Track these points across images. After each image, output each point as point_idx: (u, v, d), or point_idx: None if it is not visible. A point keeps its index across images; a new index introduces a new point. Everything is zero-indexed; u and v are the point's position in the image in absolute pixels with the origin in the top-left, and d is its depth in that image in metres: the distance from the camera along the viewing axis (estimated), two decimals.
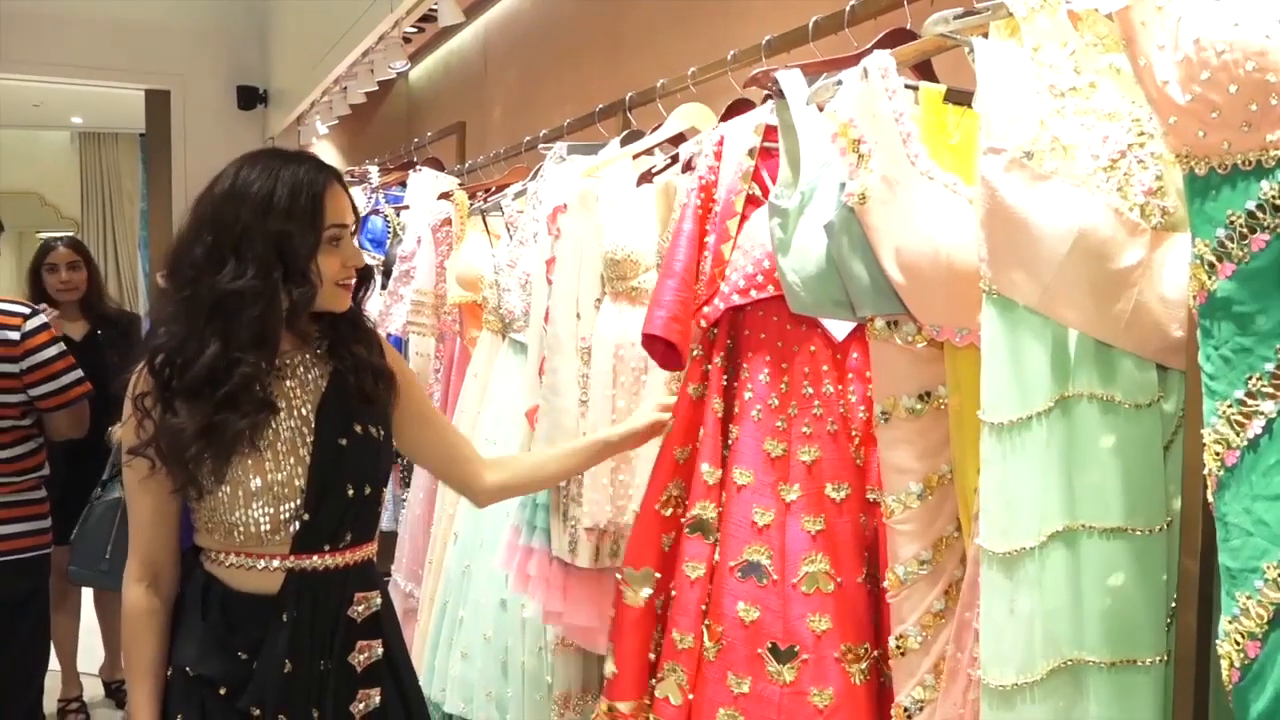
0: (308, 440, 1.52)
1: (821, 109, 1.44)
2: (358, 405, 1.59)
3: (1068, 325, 1.16)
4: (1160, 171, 1.13)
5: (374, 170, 4.18)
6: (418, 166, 3.66)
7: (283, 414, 1.52)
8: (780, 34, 1.87)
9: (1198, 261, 0.97)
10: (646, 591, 1.66)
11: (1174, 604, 1.15)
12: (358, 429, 1.57)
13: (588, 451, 1.87)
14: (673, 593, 1.65)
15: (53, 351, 2.64)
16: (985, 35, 1.24)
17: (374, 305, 3.59)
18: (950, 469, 1.39)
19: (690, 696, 1.59)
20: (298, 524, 1.51)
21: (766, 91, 1.56)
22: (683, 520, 1.66)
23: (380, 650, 1.59)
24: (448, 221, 3.18)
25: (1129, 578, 1.13)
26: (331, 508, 1.54)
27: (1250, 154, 0.93)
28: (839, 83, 1.41)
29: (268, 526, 1.50)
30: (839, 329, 1.57)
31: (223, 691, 1.48)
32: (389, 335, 3.39)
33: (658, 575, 1.67)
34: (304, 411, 1.54)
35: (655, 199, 2.07)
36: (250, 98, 6.23)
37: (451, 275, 3.08)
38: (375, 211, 3.91)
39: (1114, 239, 1.12)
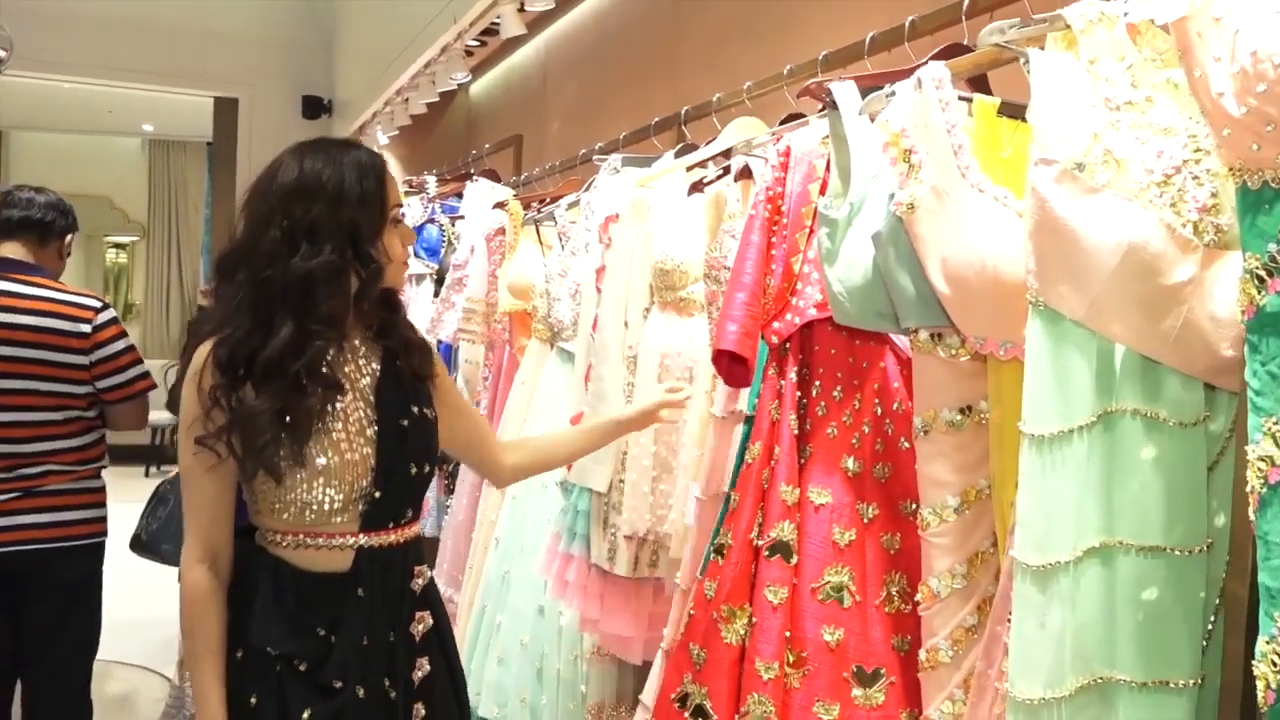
0: (372, 421, 1.58)
1: (874, 120, 1.45)
2: (411, 387, 1.65)
3: (1114, 340, 1.15)
4: (1215, 188, 1.12)
5: (431, 180, 4.26)
6: (474, 177, 3.71)
7: (348, 396, 1.57)
8: (837, 49, 1.89)
9: (1247, 276, 0.96)
10: (745, 626, 1.58)
11: (1210, 626, 1.13)
12: (414, 410, 1.63)
13: (599, 431, 1.94)
14: (753, 620, 1.58)
15: (120, 345, 2.71)
16: (1041, 47, 1.24)
17: (425, 312, 3.64)
18: (988, 484, 1.38)
19: None
20: (367, 502, 1.56)
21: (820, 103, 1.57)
22: (759, 543, 1.61)
23: (430, 620, 1.66)
24: (501, 231, 3.23)
25: (1165, 597, 1.11)
26: (398, 486, 1.59)
27: None
28: (892, 94, 1.42)
29: (339, 504, 1.54)
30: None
31: (303, 668, 1.52)
32: (439, 342, 3.44)
33: (750, 608, 1.59)
34: (366, 394, 1.59)
35: (705, 210, 2.09)
36: (315, 107, 6.38)
37: (503, 284, 3.13)
38: (431, 220, 3.98)
39: (1165, 254, 1.12)
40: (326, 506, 1.54)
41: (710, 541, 1.69)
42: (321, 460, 1.52)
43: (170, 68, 6.17)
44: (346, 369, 1.59)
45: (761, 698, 1.53)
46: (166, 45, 6.03)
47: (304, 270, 1.49)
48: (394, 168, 5.95)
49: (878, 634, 1.54)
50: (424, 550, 1.70)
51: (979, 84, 1.51)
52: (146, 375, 2.79)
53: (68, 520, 2.64)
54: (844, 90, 1.51)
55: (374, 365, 1.62)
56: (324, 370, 1.53)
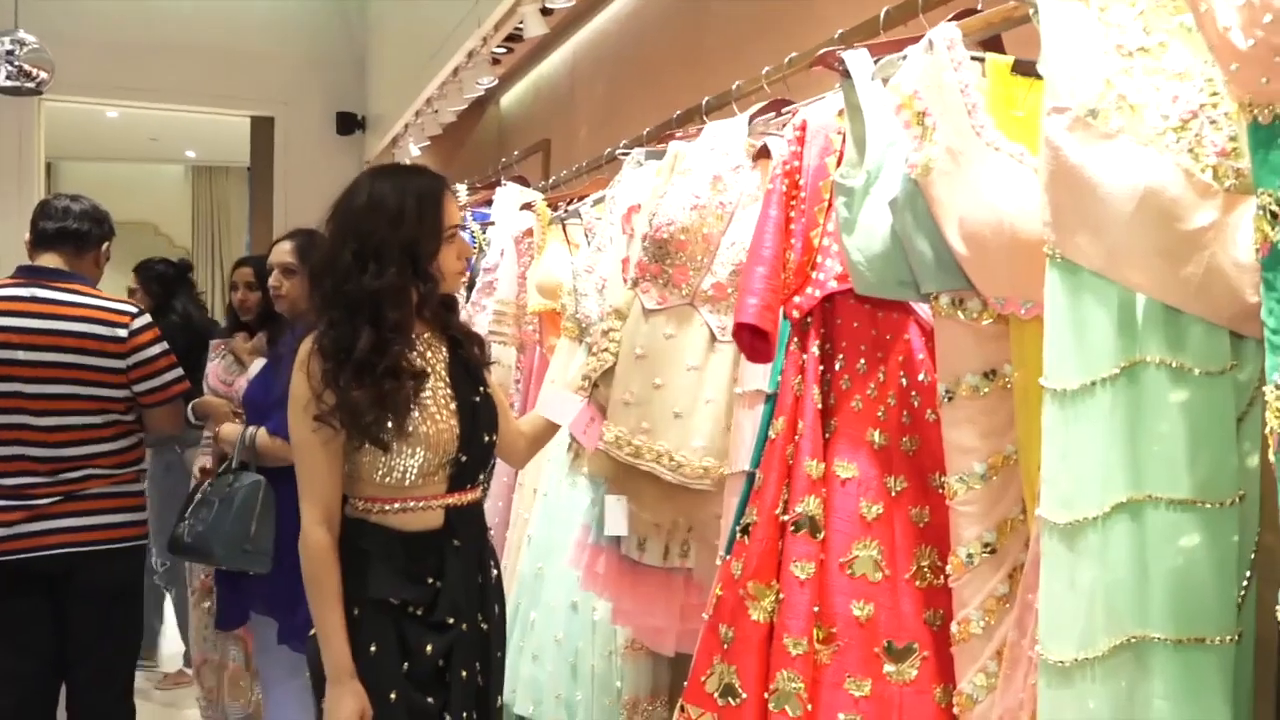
0: (451, 398, 1.86)
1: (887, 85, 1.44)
2: (475, 369, 1.96)
3: (1134, 289, 1.13)
4: (1234, 132, 1.10)
5: (462, 190, 4.30)
6: (504, 183, 3.74)
7: (432, 378, 1.85)
8: (852, 26, 1.88)
9: (1261, 213, 0.94)
10: (772, 604, 1.57)
11: (1245, 581, 1.10)
12: (481, 389, 1.95)
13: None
14: (780, 596, 1.57)
15: (156, 350, 2.77)
16: None
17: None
18: (1015, 450, 1.36)
19: (809, 708, 1.51)
20: (454, 466, 1.85)
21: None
22: (785, 518, 1.59)
23: (496, 571, 1.98)
24: (529, 232, 3.24)
25: (1198, 551, 1.08)
26: (476, 452, 1.91)
27: None
28: (904, 58, 1.41)
29: (433, 467, 1.83)
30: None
31: (419, 612, 1.80)
32: None
33: (778, 584, 1.59)
34: (443, 376, 1.88)
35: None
36: (349, 124, 6.47)
37: (532, 284, 3.14)
38: (462, 227, 4.01)
39: (1183, 200, 1.09)
40: (425, 469, 1.81)
41: (735, 521, 1.67)
42: (424, 428, 1.80)
43: (207, 90, 6.30)
44: (427, 354, 1.87)
45: (791, 674, 1.51)
46: (204, 67, 6.16)
47: (373, 288, 1.76)
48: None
49: (909, 608, 1.52)
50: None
51: (992, 44, 1.50)
52: (183, 379, 2.83)
53: (109, 524, 2.69)
54: (857, 58, 1.51)
55: (444, 352, 1.91)
56: (405, 364, 1.81)
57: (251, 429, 2.63)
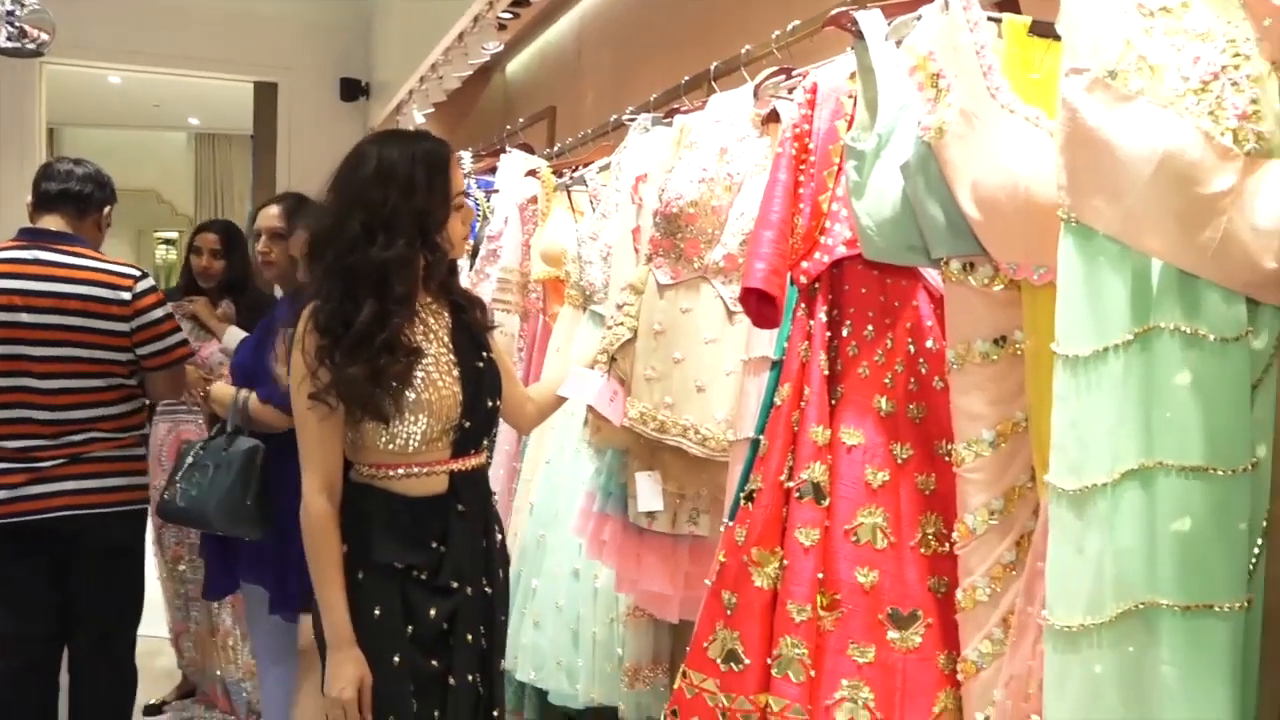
0: (454, 364, 1.86)
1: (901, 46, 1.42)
2: (478, 336, 1.95)
3: (1150, 254, 1.11)
4: (1256, 95, 1.08)
5: (466, 157, 4.27)
6: (508, 149, 3.71)
7: (432, 347, 1.84)
8: None
9: None
10: (776, 570, 1.57)
11: (1257, 549, 1.09)
12: (484, 354, 1.94)
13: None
14: (784, 562, 1.57)
15: (160, 313, 2.76)
16: None
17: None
18: (1025, 416, 1.35)
19: (812, 674, 1.51)
20: (458, 431, 1.85)
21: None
22: (790, 485, 1.59)
23: (500, 536, 1.97)
24: (534, 199, 3.23)
25: (1208, 519, 1.07)
26: (479, 417, 1.90)
27: None
28: (919, 18, 1.39)
29: (437, 433, 1.82)
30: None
31: (424, 576, 1.80)
32: None
33: (781, 551, 1.58)
34: (445, 341, 1.87)
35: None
36: (353, 90, 6.41)
37: (536, 251, 3.12)
38: (465, 194, 3.99)
39: (1202, 163, 1.08)
40: (429, 435, 1.81)
41: (739, 488, 1.67)
42: (426, 395, 1.79)
43: (210, 55, 6.23)
44: (430, 321, 1.86)
45: (794, 640, 1.51)
46: (207, 32, 6.10)
47: (381, 259, 1.74)
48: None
49: (913, 576, 1.52)
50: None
51: (1009, 4, 1.47)
52: (185, 343, 2.83)
53: (112, 486, 2.69)
54: (870, 18, 1.48)
55: (446, 318, 1.90)
56: (403, 340, 1.79)
57: (245, 392, 2.58)
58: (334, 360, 1.74)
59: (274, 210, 2.81)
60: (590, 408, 2.19)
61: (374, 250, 1.74)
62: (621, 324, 2.16)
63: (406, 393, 1.78)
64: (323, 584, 1.78)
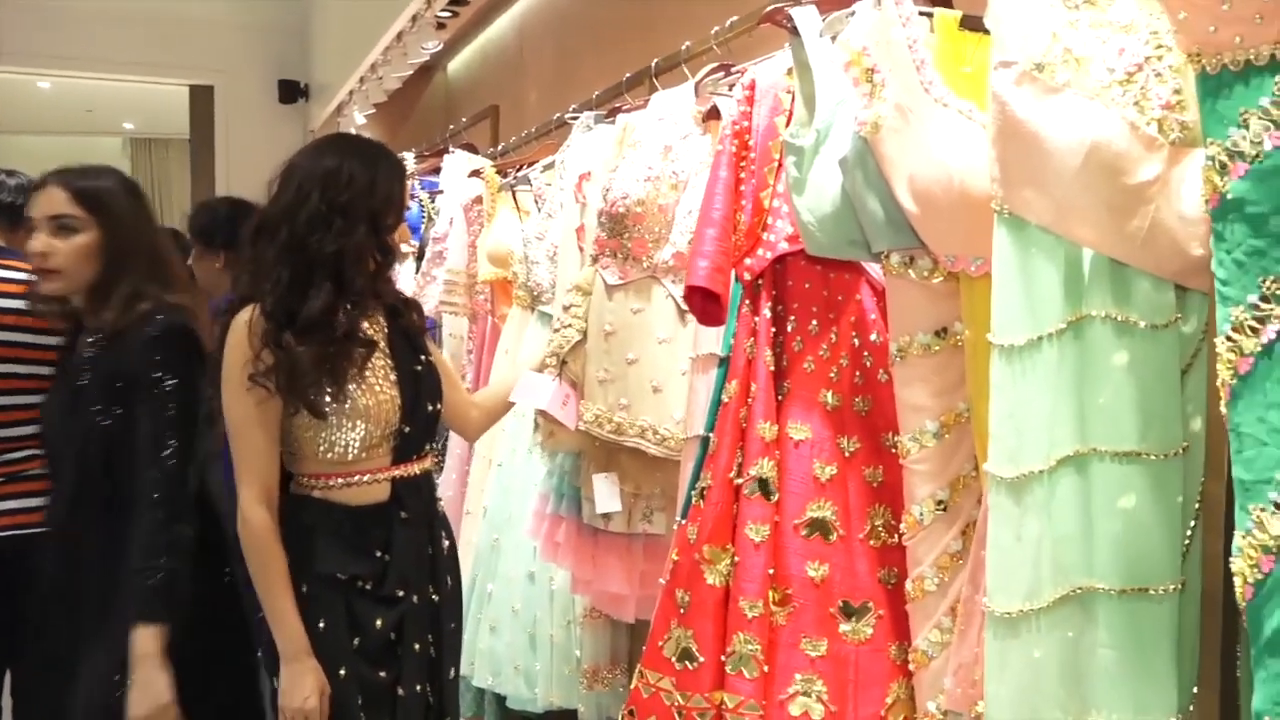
0: (393, 368, 1.84)
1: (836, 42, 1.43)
2: (415, 339, 1.93)
3: (1081, 244, 1.14)
4: (1179, 85, 1.11)
5: (410, 157, 4.24)
6: (451, 150, 3.69)
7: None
8: None
9: (1210, 163, 0.95)
10: (727, 567, 1.58)
11: (1190, 532, 1.12)
12: (423, 358, 1.92)
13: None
14: (735, 559, 1.57)
15: None
16: None
17: (406, 288, 3.63)
18: (967, 407, 1.37)
19: (766, 669, 1.52)
20: (398, 438, 1.83)
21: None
22: (739, 481, 1.60)
23: (448, 542, 1.95)
24: (478, 200, 3.21)
25: (1142, 503, 1.10)
26: (419, 422, 1.88)
27: (1264, 48, 0.91)
28: (852, 14, 1.41)
29: (376, 440, 1.80)
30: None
31: (368, 586, 1.78)
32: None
33: (733, 548, 1.60)
34: (382, 346, 1.85)
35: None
36: (292, 92, 6.34)
37: (482, 253, 3.11)
38: (411, 197, 3.96)
39: (1129, 153, 1.10)
40: (368, 441, 1.79)
41: (690, 486, 1.68)
42: (363, 403, 1.77)
43: (144, 58, 6.14)
44: (366, 325, 1.83)
45: (747, 636, 1.53)
46: (140, 34, 6.00)
47: (338, 246, 1.73)
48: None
49: (863, 568, 1.54)
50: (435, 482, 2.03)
51: (943, 2, 1.50)
52: None
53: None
54: (805, 15, 1.50)
55: (382, 321, 1.87)
56: (359, 330, 1.79)
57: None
58: (282, 343, 1.70)
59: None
60: (542, 413, 2.17)
61: (331, 235, 1.72)
62: (569, 326, 2.15)
63: (348, 386, 1.75)
64: (272, 597, 1.74)
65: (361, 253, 1.76)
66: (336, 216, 1.73)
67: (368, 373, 1.79)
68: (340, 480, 1.80)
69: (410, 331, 1.92)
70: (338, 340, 1.74)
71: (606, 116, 2.47)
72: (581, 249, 2.36)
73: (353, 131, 5.88)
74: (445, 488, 3.27)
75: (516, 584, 2.63)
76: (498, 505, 2.78)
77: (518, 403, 2.22)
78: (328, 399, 1.73)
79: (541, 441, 2.31)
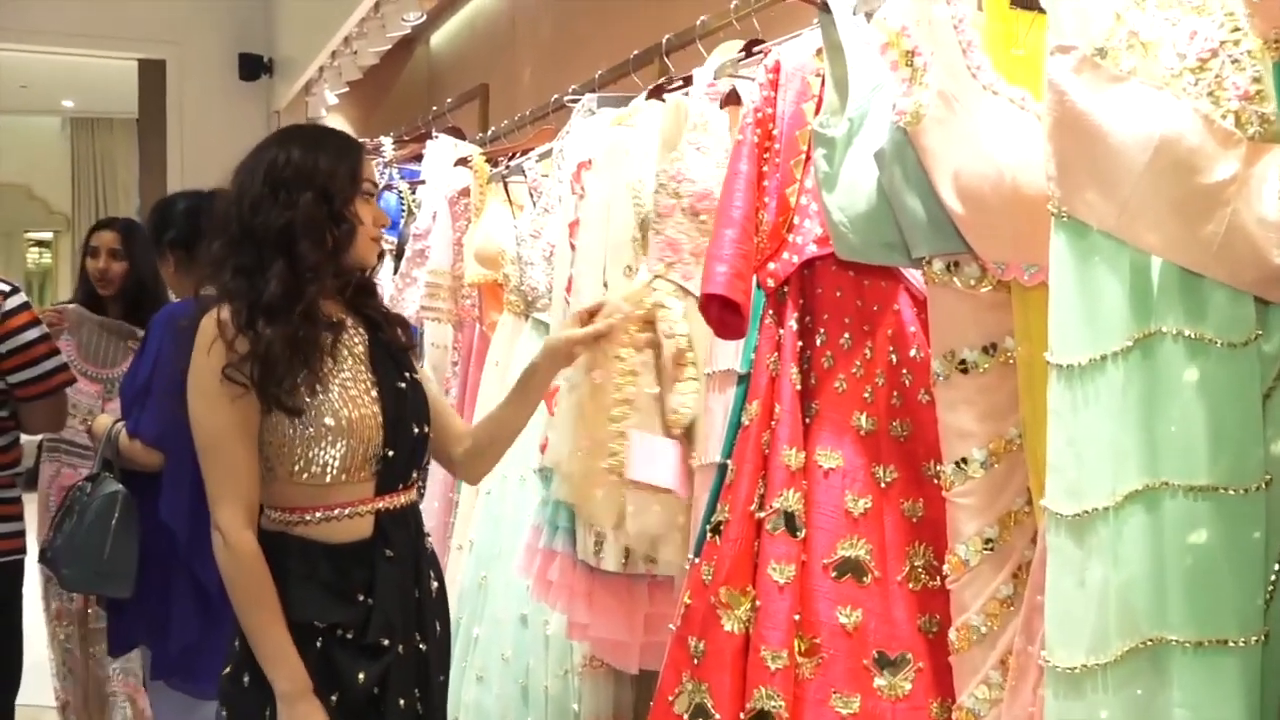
0: (374, 384, 1.85)
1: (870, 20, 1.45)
2: (398, 354, 1.95)
3: (1149, 251, 1.15)
4: (1258, 73, 1.12)
5: (388, 143, 4.25)
6: (435, 135, 3.71)
7: (349, 362, 1.84)
8: None
9: None
10: (747, 613, 1.58)
11: (1273, 576, 1.13)
12: (407, 374, 1.93)
13: (520, 387, 2.05)
14: (756, 603, 1.58)
15: (34, 334, 2.71)
16: None
17: (386, 291, 3.64)
18: (1019, 433, 1.38)
19: None
20: (380, 462, 1.83)
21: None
22: (760, 515, 1.61)
23: (437, 583, 1.95)
24: (466, 192, 3.23)
25: (1219, 544, 1.11)
26: (405, 444, 1.87)
27: None
28: None
29: (357, 462, 1.80)
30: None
31: (349, 634, 1.78)
32: None
33: (753, 590, 1.59)
34: (361, 359, 1.87)
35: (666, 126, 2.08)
36: (254, 67, 6.36)
37: (469, 252, 3.13)
38: (388, 187, 3.96)
39: (1202, 149, 1.11)
40: (349, 461, 1.79)
41: (705, 520, 1.69)
42: (344, 413, 1.78)
43: (86, 29, 6.16)
44: (344, 338, 1.85)
45: (770, 691, 1.53)
46: (81, 2, 6.03)
47: (286, 219, 1.76)
48: (347, 131, 5.95)
49: (901, 614, 1.55)
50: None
51: None
52: (65, 368, 2.79)
53: None
54: None
55: (362, 334, 1.90)
56: (322, 310, 1.80)
57: (119, 424, 2.59)
58: (254, 328, 1.73)
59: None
60: (649, 484, 1.99)
61: (276, 209, 1.77)
62: (692, 378, 1.97)
63: (326, 381, 1.77)
64: (264, 631, 1.74)
65: (311, 223, 1.78)
66: (280, 191, 1.78)
67: (349, 384, 1.81)
68: (319, 514, 1.80)
69: (393, 347, 1.94)
70: (303, 321, 1.76)
71: (653, 95, 2.34)
72: (573, 246, 2.38)
73: (323, 113, 5.92)
74: (428, 517, 3.28)
75: (507, 627, 2.64)
76: (486, 538, 2.79)
77: (638, 478, 2.02)
78: (300, 387, 1.75)
79: (557, 491, 2.22)
